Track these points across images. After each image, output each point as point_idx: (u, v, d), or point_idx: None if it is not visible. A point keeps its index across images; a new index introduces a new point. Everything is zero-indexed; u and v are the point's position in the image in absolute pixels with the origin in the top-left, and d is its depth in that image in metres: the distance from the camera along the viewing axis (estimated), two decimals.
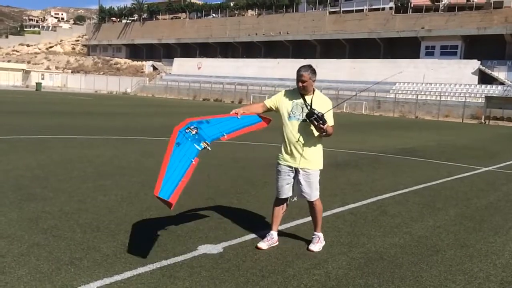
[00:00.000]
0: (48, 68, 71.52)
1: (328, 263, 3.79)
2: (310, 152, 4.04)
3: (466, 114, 35.75)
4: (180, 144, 3.78)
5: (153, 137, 12.39)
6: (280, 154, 4.18)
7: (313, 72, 4.05)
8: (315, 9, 59.20)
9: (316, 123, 3.84)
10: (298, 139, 4.00)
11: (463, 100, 37.03)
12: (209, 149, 3.87)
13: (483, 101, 34.80)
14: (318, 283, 3.39)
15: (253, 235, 4.37)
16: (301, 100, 4.03)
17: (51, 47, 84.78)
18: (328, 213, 5.36)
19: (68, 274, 3.27)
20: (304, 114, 3.95)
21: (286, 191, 4.14)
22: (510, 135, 22.23)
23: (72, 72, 69.33)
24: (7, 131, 12.01)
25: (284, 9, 60.26)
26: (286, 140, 4.09)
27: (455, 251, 4.26)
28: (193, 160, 3.74)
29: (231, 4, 67.72)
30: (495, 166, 10.19)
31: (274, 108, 4.20)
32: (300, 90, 4.05)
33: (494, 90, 39.14)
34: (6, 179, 6.18)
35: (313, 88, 4.09)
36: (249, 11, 65.80)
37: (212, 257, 3.77)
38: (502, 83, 40.30)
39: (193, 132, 3.84)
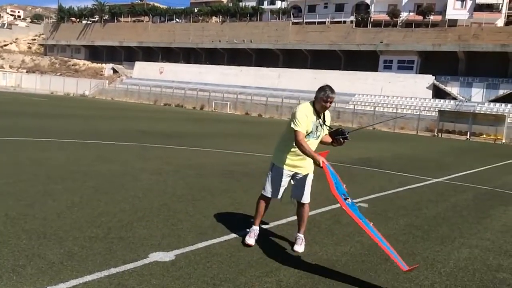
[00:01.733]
0: (1, 67, 68.55)
1: (280, 271, 3.81)
2: (309, 160, 4.29)
3: (421, 126, 37.10)
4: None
5: (109, 141, 12.10)
6: (281, 160, 4.36)
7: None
8: (279, 19, 59.96)
9: (342, 141, 4.28)
10: None
11: (418, 113, 38.42)
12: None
13: (437, 115, 36.23)
14: None
15: (207, 242, 4.33)
16: (316, 119, 4.25)
17: (5, 45, 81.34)
18: (283, 221, 5.41)
19: (10, 281, 3.13)
20: (319, 132, 4.28)
21: (275, 192, 4.41)
22: (460, 148, 23.24)
23: (27, 72, 66.77)
24: None
25: (248, 18, 60.65)
26: (293, 150, 4.28)
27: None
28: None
29: (195, 10, 67.46)
30: (445, 178, 10.61)
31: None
32: (321, 109, 4.24)
33: (447, 105, 40.85)
34: None
35: None
36: (213, 18, 65.79)
37: (164, 264, 3.71)
38: (454, 98, 42.14)
39: (348, 201, 4.10)
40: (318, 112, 4.24)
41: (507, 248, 5.13)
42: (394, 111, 39.60)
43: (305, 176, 4.39)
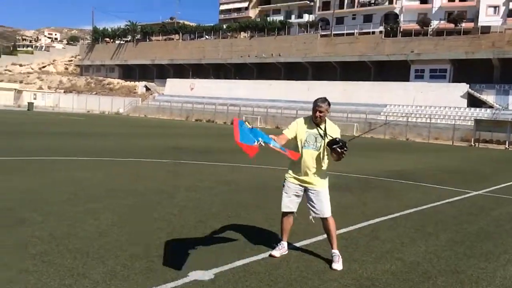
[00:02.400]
0: (40, 88, 71.39)
1: None
2: (319, 174, 4.44)
3: (456, 136, 36.14)
4: (242, 127, 4.24)
5: (143, 159, 12.36)
6: (289, 174, 4.54)
7: (329, 104, 4.43)
8: (307, 32, 60.12)
9: (339, 150, 4.16)
10: (310, 165, 4.40)
11: (453, 123, 37.48)
12: (262, 144, 4.11)
13: (473, 124, 35.25)
14: None
15: (244, 260, 4.34)
16: (315, 130, 4.41)
17: (44, 67, 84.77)
18: (320, 237, 5.36)
19: None
20: (319, 143, 4.37)
21: (292, 206, 4.53)
22: (499, 158, 22.48)
23: (64, 92, 69.22)
24: None
25: (276, 32, 61.10)
26: (298, 164, 4.43)
27: (447, 278, 4.27)
28: (256, 141, 4.06)
29: (224, 26, 68.53)
30: (485, 190, 10.27)
31: (293, 138, 4.50)
32: (315, 119, 4.41)
33: (483, 113, 39.71)
34: None
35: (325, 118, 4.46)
36: (241, 33, 66.62)
37: (203, 283, 3.74)
38: (490, 106, 40.92)
39: (249, 126, 4.24)
40: (317, 124, 4.41)
41: None
42: (428, 121, 38.78)
43: (317, 191, 4.45)
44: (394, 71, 48.83)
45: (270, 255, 4.52)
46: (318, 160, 4.41)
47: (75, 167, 10.02)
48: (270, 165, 12.50)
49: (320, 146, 4.41)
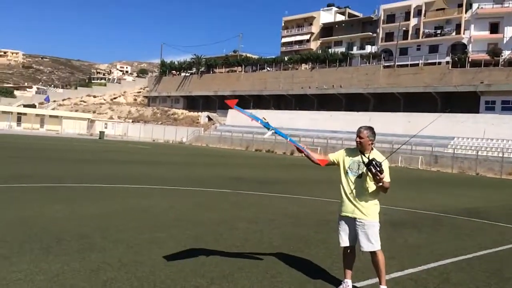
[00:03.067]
0: (111, 117, 75.78)
1: None
2: (365, 204, 4.35)
3: None
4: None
5: (206, 188, 12.61)
6: (340, 206, 4.54)
7: (373, 133, 4.45)
8: (369, 63, 59.56)
9: (374, 171, 4.13)
10: (354, 192, 4.38)
11: None
12: (272, 136, 4.59)
13: None
14: None
15: None
16: (358, 158, 4.42)
17: (115, 98, 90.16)
18: (386, 277, 5.13)
19: None
20: (360, 170, 4.36)
21: (346, 239, 4.47)
22: None
23: (132, 122, 72.96)
24: (72, 178, 12.70)
25: (337, 63, 61.09)
26: (343, 193, 4.48)
27: None
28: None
29: (285, 58, 69.62)
30: None
31: (336, 162, 4.60)
32: (359, 146, 4.45)
33: None
34: (69, 227, 6.47)
35: (371, 147, 4.44)
36: (302, 65, 67.27)
37: None
38: None
39: (265, 120, 4.70)
40: (362, 152, 4.41)
41: None
42: (500, 155, 36.52)
43: (362, 222, 4.36)
44: (462, 103, 46.84)
45: None
46: (361, 187, 4.37)
47: (141, 195, 10.41)
48: (331, 198, 12.29)
49: (363, 173, 4.37)
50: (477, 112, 45.68)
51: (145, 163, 21.19)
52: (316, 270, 5.19)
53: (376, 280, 4.93)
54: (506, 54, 49.70)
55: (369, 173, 4.22)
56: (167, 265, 4.98)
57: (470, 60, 50.33)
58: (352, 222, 4.41)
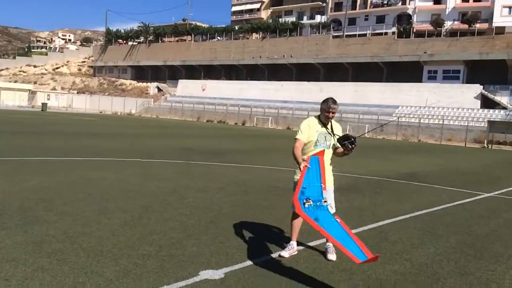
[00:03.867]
0: (54, 88, 72.35)
1: None
2: (328, 172, 4.59)
3: (469, 138, 35.79)
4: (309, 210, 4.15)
5: (155, 159, 12.49)
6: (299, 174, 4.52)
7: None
8: (319, 33, 60.01)
9: (350, 146, 4.42)
10: None
11: (466, 124, 37.14)
12: (328, 203, 4.34)
13: (486, 126, 34.88)
14: None
15: (255, 260, 4.41)
16: (324, 130, 4.59)
17: (57, 68, 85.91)
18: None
19: None
20: (329, 142, 4.57)
21: None
22: None
23: (77, 93, 70.08)
24: (12, 152, 12.16)
25: (288, 33, 61.10)
26: None
27: (455, 279, 4.28)
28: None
29: (236, 27, 68.73)
30: (497, 192, 10.20)
31: (307, 141, 4.61)
32: (325, 120, 4.60)
33: (496, 115, 39.27)
34: (11, 201, 6.26)
35: None
36: (253, 34, 66.75)
37: (214, 283, 3.80)
38: (504, 108, 40.44)
39: (308, 204, 4.14)
40: (324, 123, 4.60)
41: None
42: (441, 122, 38.46)
43: (327, 189, 4.56)
44: (407, 72, 48.53)
45: (280, 256, 4.59)
46: (327, 158, 4.61)
47: (89, 168, 10.17)
48: (280, 166, 12.56)
49: (330, 144, 4.60)
50: (421, 81, 47.55)
51: (92, 135, 20.58)
52: (264, 235, 5.36)
53: (319, 242, 5.18)
54: (448, 24, 51.60)
55: (342, 146, 4.51)
56: (114, 235, 4.97)
57: (414, 30, 51.90)
58: None
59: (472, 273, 4.51)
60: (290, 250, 4.66)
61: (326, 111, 4.54)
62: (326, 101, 4.57)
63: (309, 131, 4.56)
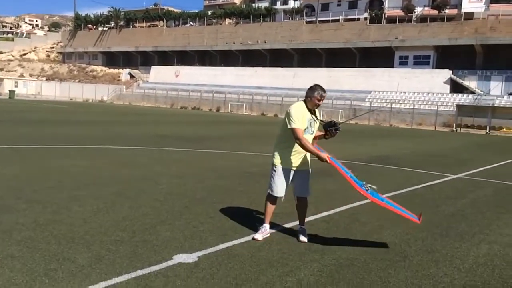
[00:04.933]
0: (21, 75, 70.09)
1: (301, 270, 3.91)
2: (310, 157, 4.75)
3: (439, 122, 36.70)
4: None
5: (129, 146, 12.35)
6: (281, 160, 4.67)
7: None
8: (292, 18, 59.94)
9: (334, 132, 4.63)
10: None
11: (436, 108, 38.00)
12: (374, 187, 4.79)
13: (455, 110, 35.79)
14: None
15: (228, 244, 4.46)
16: (309, 116, 4.63)
17: (25, 54, 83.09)
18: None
19: (43, 285, 3.30)
20: (313, 128, 4.65)
21: (284, 190, 4.74)
22: (480, 143, 22.93)
23: (46, 80, 68.13)
24: None
25: (261, 19, 60.78)
26: (297, 149, 4.62)
27: (422, 257, 4.44)
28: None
29: (209, 12, 67.89)
30: (464, 174, 10.54)
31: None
32: (313, 107, 4.64)
33: (465, 99, 40.30)
34: None
35: None
36: (226, 20, 66.11)
37: (187, 266, 3.84)
38: (472, 92, 41.53)
39: (366, 187, 4.73)
40: (310, 110, 4.64)
41: None
42: (411, 107, 39.22)
43: (306, 172, 4.76)
44: (379, 57, 49.11)
45: (253, 239, 4.65)
46: (310, 142, 4.72)
47: (60, 156, 9.99)
48: (255, 152, 12.62)
49: (314, 130, 4.70)
50: (392, 66, 48.24)
51: (62, 123, 20.13)
52: (238, 219, 5.41)
53: (292, 224, 5.27)
54: (418, 10, 52.28)
55: (327, 132, 4.69)
56: (86, 221, 4.93)
57: (386, 16, 52.38)
58: (299, 174, 4.70)
59: (438, 250, 4.69)
60: (264, 233, 4.74)
61: (317, 99, 4.56)
62: (315, 89, 4.57)
63: (303, 118, 4.55)
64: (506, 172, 11.43)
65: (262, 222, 4.94)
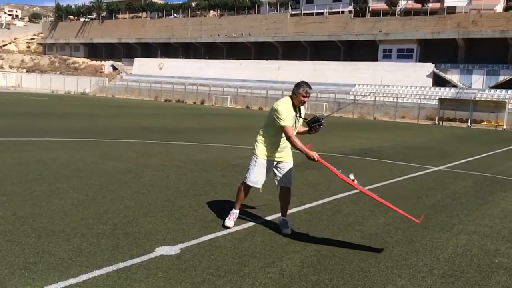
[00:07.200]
0: (1, 67, 68.61)
1: (283, 261, 3.93)
2: (290, 149, 4.79)
3: (421, 115, 37.13)
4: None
5: (111, 139, 12.22)
6: (262, 151, 4.71)
7: None
8: (277, 11, 59.75)
9: (318, 128, 4.66)
10: (288, 142, 4.68)
11: (419, 101, 38.42)
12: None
13: (437, 103, 36.25)
14: (272, 280, 3.52)
15: (210, 236, 4.46)
16: (293, 112, 4.63)
17: (4, 45, 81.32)
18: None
19: (22, 278, 3.26)
20: (296, 125, 4.67)
21: (263, 182, 4.80)
22: (461, 136, 23.30)
23: (27, 72, 66.84)
24: None
25: (246, 11, 60.48)
26: (279, 142, 4.67)
27: (402, 247, 4.51)
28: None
29: (193, 4, 67.25)
30: (445, 166, 10.70)
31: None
32: (298, 103, 4.62)
33: (447, 92, 40.83)
34: None
35: None
36: (211, 11, 65.60)
37: (169, 258, 3.83)
38: (454, 86, 42.09)
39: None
40: (295, 106, 4.63)
41: (505, 234, 5.24)
42: (395, 100, 39.60)
43: (288, 163, 4.78)
44: (363, 51, 49.35)
45: (224, 225, 4.76)
46: None
47: (40, 148, 9.83)
48: (238, 144, 12.60)
49: (296, 127, 4.72)
50: (376, 60, 48.54)
51: (43, 115, 19.80)
52: (221, 211, 5.40)
53: (274, 216, 5.29)
54: (402, 4, 52.60)
55: (311, 129, 4.71)
56: (67, 214, 4.87)
57: (370, 9, 52.59)
58: (283, 164, 4.75)
59: (419, 241, 4.76)
60: (233, 218, 4.84)
61: (303, 96, 4.54)
62: (301, 85, 4.56)
63: (289, 116, 4.54)
64: (487, 164, 11.65)
65: (244, 214, 4.96)
